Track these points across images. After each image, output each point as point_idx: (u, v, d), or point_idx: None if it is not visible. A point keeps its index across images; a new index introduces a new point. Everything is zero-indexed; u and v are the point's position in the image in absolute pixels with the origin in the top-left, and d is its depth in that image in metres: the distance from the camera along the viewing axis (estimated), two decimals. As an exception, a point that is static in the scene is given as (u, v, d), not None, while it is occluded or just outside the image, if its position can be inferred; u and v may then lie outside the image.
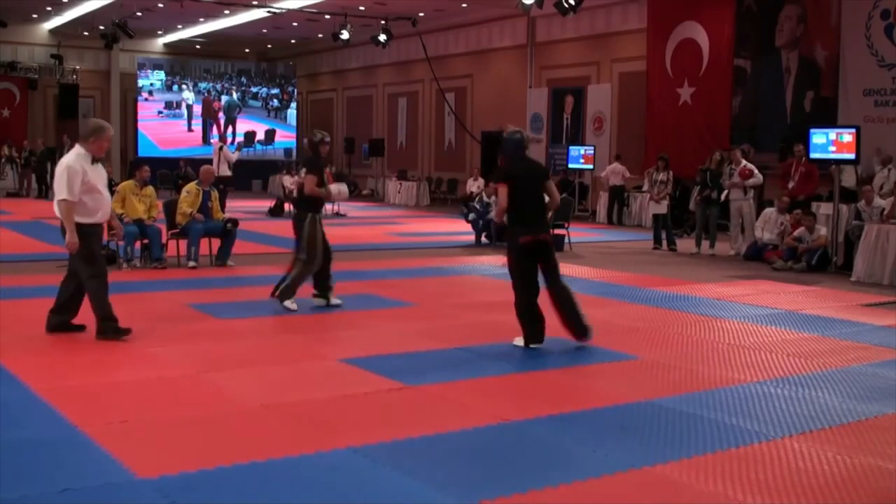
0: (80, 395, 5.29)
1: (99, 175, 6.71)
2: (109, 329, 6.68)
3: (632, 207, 19.37)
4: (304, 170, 8.72)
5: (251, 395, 5.36)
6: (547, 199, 6.97)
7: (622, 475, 4.14)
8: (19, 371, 5.71)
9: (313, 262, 8.24)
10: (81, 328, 6.90)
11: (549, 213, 7.07)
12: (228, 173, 17.89)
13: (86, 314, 6.87)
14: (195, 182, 11.33)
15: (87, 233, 6.63)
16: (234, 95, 31.81)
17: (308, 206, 8.40)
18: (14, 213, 18.26)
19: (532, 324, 6.76)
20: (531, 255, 6.77)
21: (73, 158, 6.60)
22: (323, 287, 8.43)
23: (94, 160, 6.68)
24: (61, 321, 6.87)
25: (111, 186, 14.99)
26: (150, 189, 10.97)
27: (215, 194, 11.38)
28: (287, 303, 8.15)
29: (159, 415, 4.93)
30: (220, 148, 18.08)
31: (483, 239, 14.83)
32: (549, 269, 6.84)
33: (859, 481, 4.16)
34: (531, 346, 6.77)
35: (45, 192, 23.65)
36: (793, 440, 4.73)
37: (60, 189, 6.53)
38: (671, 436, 4.75)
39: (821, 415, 5.23)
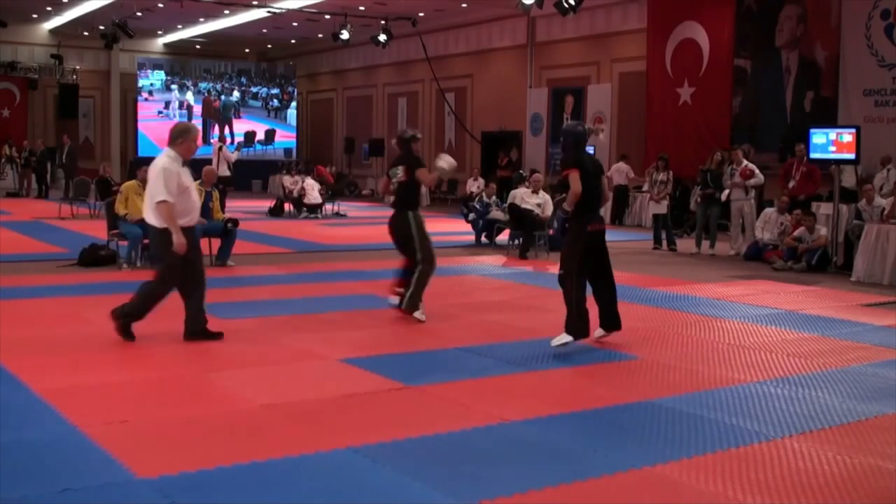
0: (80, 395, 5.29)
1: (188, 177, 6.68)
2: (126, 327, 6.63)
3: (632, 207, 19.37)
4: (400, 168, 7.94)
5: (251, 395, 5.36)
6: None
7: (622, 475, 4.14)
8: (19, 371, 5.71)
9: (432, 261, 7.85)
10: (219, 335, 6.82)
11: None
12: (228, 173, 17.92)
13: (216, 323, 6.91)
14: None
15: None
16: (236, 95, 31.79)
17: (407, 205, 7.93)
18: (14, 214, 18.25)
19: (586, 317, 6.74)
20: (593, 245, 6.85)
21: (168, 161, 6.54)
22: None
23: (184, 162, 6.65)
24: (198, 329, 6.80)
25: (111, 187, 15.09)
26: None
27: (216, 194, 11.37)
28: (417, 314, 7.78)
29: (159, 415, 4.93)
30: (220, 148, 18.15)
31: (483, 239, 14.84)
32: (605, 262, 6.96)
33: (859, 481, 4.16)
34: (578, 340, 6.74)
35: (45, 192, 23.66)
36: (793, 440, 4.73)
37: (158, 191, 6.44)
38: (671, 436, 4.75)
39: (821, 415, 5.23)
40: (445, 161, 8.06)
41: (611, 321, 7.03)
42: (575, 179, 6.71)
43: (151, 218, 6.57)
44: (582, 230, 6.80)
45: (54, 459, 4.19)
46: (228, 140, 29.93)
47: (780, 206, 13.18)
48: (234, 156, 18.80)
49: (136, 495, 3.79)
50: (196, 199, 6.78)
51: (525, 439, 4.66)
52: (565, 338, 6.69)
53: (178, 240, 6.44)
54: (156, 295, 6.69)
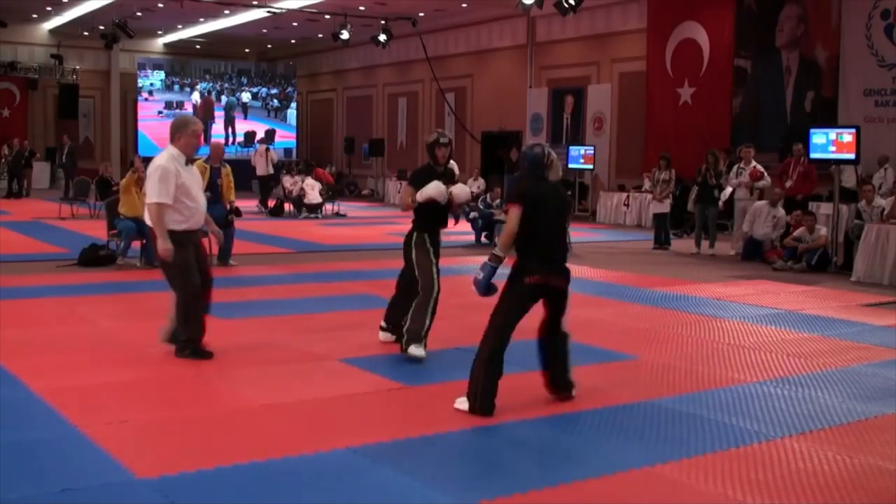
0: (80, 395, 5.29)
1: (193, 177, 6.24)
2: (190, 349, 6.20)
3: (631, 207, 19.36)
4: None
5: (251, 395, 5.36)
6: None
7: (622, 475, 4.14)
8: (19, 371, 5.71)
9: (430, 289, 6.57)
10: (209, 355, 6.21)
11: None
12: (272, 171, 21.09)
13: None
14: (203, 158, 10.36)
15: (180, 241, 6.05)
16: (247, 96, 31.76)
17: (415, 221, 6.83)
18: (14, 214, 18.25)
19: (495, 384, 5.12)
20: (533, 301, 5.26)
21: (166, 158, 6.08)
22: (396, 321, 6.82)
23: (188, 161, 6.21)
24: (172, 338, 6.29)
25: (111, 187, 15.06)
26: None
27: (227, 170, 10.87)
28: (413, 349, 6.35)
29: (159, 415, 4.93)
30: (267, 149, 19.81)
31: (483, 239, 14.84)
32: (556, 318, 5.41)
33: (859, 481, 4.16)
34: (483, 415, 5.01)
35: (19, 192, 23.63)
36: (793, 440, 4.73)
37: (152, 191, 6.00)
38: (671, 436, 4.75)
39: (821, 415, 5.23)
40: (460, 189, 7.10)
41: (558, 385, 5.46)
42: (512, 217, 5.22)
43: (147, 218, 6.19)
44: (518, 280, 5.20)
45: (54, 459, 4.19)
46: (231, 140, 30.19)
47: (773, 199, 13.15)
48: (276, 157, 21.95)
49: (136, 495, 3.79)
50: (201, 200, 6.30)
51: (525, 439, 4.66)
52: (464, 402, 5.13)
53: (163, 245, 5.97)
54: (186, 304, 6.14)
